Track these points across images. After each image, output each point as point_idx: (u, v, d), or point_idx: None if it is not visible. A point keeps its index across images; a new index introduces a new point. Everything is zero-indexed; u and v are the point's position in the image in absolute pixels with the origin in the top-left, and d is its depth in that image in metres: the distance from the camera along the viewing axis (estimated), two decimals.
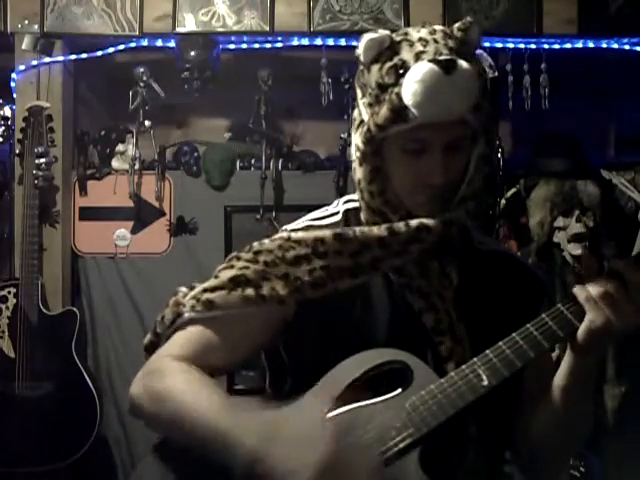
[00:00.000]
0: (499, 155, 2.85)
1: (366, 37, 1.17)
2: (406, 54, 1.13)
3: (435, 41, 1.13)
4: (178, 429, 1.10)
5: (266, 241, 1.20)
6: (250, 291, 1.16)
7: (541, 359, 1.17)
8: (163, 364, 1.17)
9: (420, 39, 1.14)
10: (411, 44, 1.14)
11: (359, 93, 1.21)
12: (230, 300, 1.16)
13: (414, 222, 1.16)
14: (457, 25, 1.18)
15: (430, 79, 1.09)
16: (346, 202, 1.29)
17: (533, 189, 2.77)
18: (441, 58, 1.10)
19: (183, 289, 1.26)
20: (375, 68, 1.16)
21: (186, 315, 1.19)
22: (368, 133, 1.16)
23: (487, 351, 1.11)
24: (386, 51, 1.15)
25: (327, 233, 1.18)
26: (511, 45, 2.89)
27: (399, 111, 1.11)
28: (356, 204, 1.25)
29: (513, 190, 2.83)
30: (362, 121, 1.18)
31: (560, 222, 2.72)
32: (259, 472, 1.01)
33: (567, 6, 2.86)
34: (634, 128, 3.20)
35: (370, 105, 1.16)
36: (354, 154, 1.22)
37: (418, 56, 1.12)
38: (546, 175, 2.75)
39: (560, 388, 1.18)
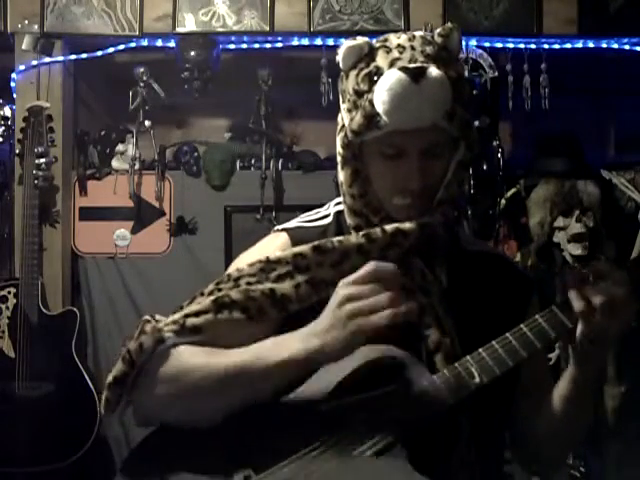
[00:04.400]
0: (499, 155, 2.86)
1: (345, 44, 1.19)
2: (381, 61, 1.15)
3: (412, 48, 1.15)
4: (209, 390, 1.10)
5: (244, 267, 1.19)
6: (237, 314, 1.14)
7: (535, 359, 1.20)
8: (166, 353, 1.14)
9: (398, 45, 1.16)
10: (388, 51, 1.15)
11: (340, 99, 1.23)
12: (217, 324, 1.14)
13: (390, 227, 1.18)
14: (438, 30, 1.19)
15: (397, 87, 1.10)
16: (337, 204, 1.30)
17: (533, 189, 2.77)
18: (411, 66, 1.11)
19: (149, 317, 1.19)
20: (352, 74, 1.18)
21: (170, 341, 1.14)
22: (345, 138, 1.19)
23: (480, 349, 1.13)
24: (365, 58, 1.17)
25: (305, 248, 1.18)
26: (511, 45, 2.90)
27: (371, 118, 1.13)
28: None
29: (513, 190, 2.83)
30: (343, 126, 1.21)
31: (560, 222, 2.72)
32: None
33: (567, 6, 2.86)
34: (634, 128, 3.20)
35: (349, 111, 1.19)
36: (337, 158, 1.24)
37: (392, 63, 1.13)
38: (546, 175, 2.75)
39: (562, 397, 1.21)
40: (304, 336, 1.07)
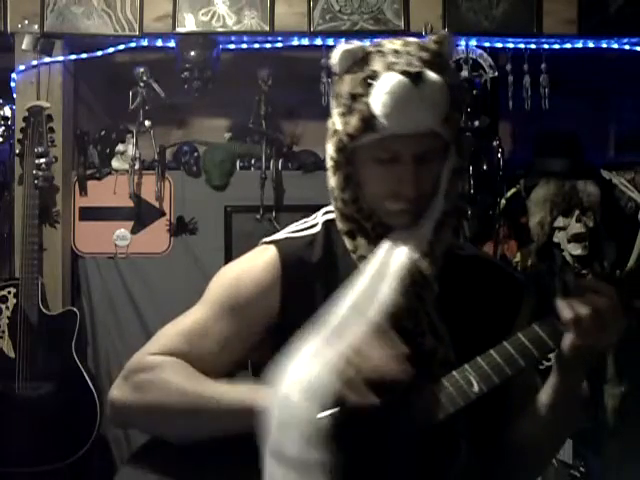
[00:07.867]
0: (499, 155, 2.85)
1: (340, 48, 1.18)
2: (378, 65, 1.14)
3: (408, 53, 1.14)
4: (177, 413, 1.13)
5: None
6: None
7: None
8: (146, 360, 1.21)
9: (394, 51, 1.15)
10: (383, 55, 1.15)
11: (333, 103, 1.22)
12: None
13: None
14: (432, 37, 1.18)
15: (398, 90, 1.10)
16: (325, 213, 1.30)
17: (533, 189, 2.77)
18: (410, 70, 1.11)
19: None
20: (348, 78, 1.17)
21: None
22: (340, 142, 1.18)
23: (478, 358, 1.13)
24: (359, 62, 1.16)
25: None
26: (511, 45, 2.90)
27: (369, 121, 1.13)
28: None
29: (513, 190, 2.83)
30: (335, 130, 1.20)
31: (560, 222, 2.72)
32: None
33: (567, 6, 2.86)
34: (634, 128, 3.20)
35: (343, 115, 1.18)
36: (328, 162, 1.24)
37: (389, 67, 1.13)
38: (546, 175, 2.75)
39: (545, 405, 1.20)
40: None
